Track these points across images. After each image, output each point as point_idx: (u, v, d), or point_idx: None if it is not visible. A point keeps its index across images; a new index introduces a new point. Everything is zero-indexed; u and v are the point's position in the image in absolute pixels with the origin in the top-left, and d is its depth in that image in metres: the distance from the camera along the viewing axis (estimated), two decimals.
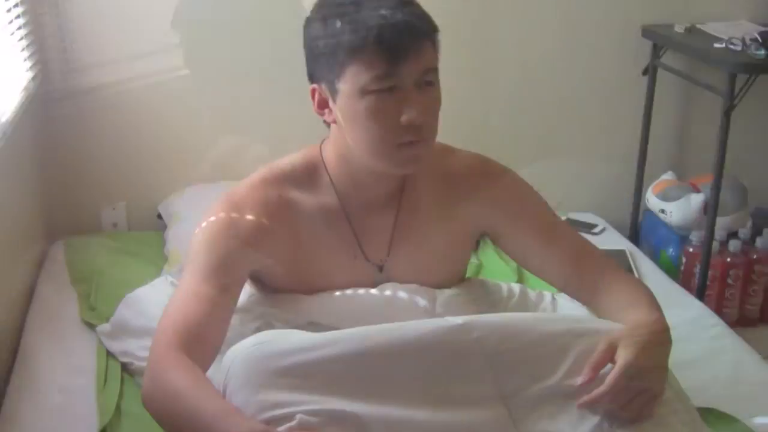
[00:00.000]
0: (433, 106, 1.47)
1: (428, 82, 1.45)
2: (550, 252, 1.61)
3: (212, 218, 1.55)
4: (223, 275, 1.50)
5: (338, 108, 1.46)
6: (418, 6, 1.47)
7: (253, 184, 1.59)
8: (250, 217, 1.54)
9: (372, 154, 1.47)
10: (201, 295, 1.46)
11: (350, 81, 1.42)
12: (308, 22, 1.49)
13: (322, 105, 1.50)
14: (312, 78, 1.51)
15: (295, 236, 1.57)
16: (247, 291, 1.63)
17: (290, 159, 1.63)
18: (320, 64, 1.46)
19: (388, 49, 1.39)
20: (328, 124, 1.55)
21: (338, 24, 1.41)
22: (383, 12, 1.40)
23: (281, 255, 1.57)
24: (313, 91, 1.51)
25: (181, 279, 1.53)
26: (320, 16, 1.46)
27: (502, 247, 1.69)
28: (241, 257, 1.53)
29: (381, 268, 1.63)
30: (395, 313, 1.53)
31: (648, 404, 1.34)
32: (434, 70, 1.46)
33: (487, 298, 1.75)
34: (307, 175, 1.60)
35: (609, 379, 1.33)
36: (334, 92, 1.46)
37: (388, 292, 1.61)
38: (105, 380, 1.80)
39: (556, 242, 1.62)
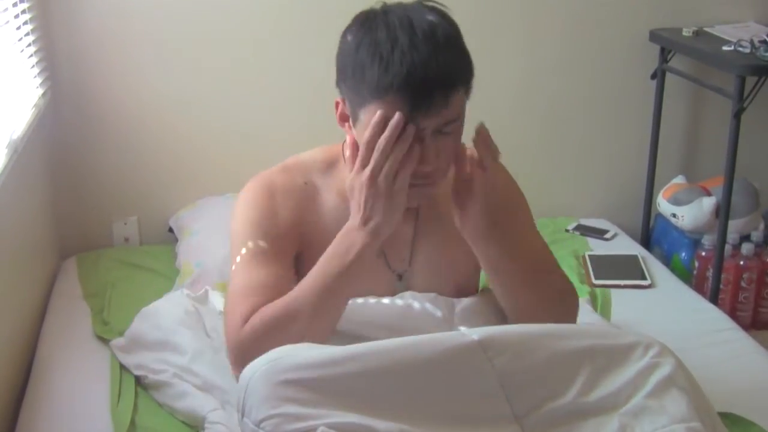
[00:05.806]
0: (445, 153, 1.43)
1: (446, 132, 1.42)
2: None
3: (250, 206, 1.56)
4: (277, 256, 1.51)
5: (357, 132, 1.45)
6: (457, 49, 1.42)
7: (281, 169, 1.61)
8: (282, 198, 1.56)
9: None
10: (261, 282, 1.47)
11: (370, 116, 1.40)
12: (345, 36, 1.45)
13: (344, 118, 1.49)
14: (339, 89, 1.48)
15: (321, 224, 1.57)
16: None
17: (312, 153, 1.64)
18: (347, 85, 1.44)
19: (411, 101, 1.36)
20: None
21: (369, 58, 1.38)
22: (416, 59, 1.35)
23: (310, 241, 1.57)
24: (337, 103, 1.49)
25: (234, 272, 1.52)
26: (356, 38, 1.41)
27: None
28: (285, 236, 1.54)
29: (400, 277, 1.63)
30: (414, 322, 1.52)
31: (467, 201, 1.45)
32: (456, 120, 1.42)
33: None
34: (330, 168, 1.60)
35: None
36: (355, 117, 1.44)
37: (407, 302, 1.60)
38: (119, 394, 1.80)
39: (521, 247, 1.58)
